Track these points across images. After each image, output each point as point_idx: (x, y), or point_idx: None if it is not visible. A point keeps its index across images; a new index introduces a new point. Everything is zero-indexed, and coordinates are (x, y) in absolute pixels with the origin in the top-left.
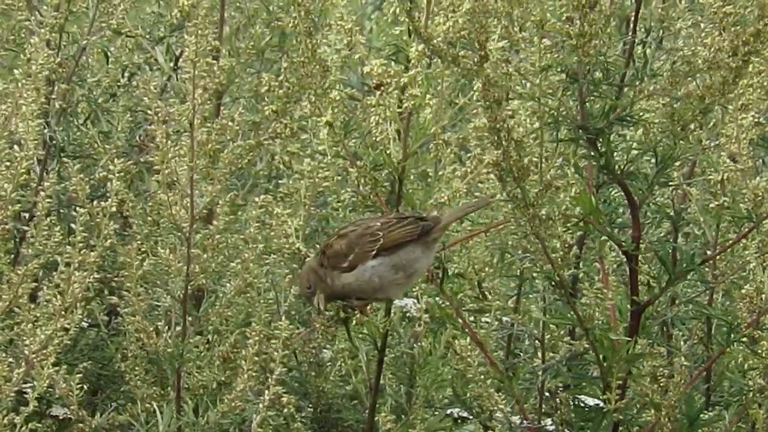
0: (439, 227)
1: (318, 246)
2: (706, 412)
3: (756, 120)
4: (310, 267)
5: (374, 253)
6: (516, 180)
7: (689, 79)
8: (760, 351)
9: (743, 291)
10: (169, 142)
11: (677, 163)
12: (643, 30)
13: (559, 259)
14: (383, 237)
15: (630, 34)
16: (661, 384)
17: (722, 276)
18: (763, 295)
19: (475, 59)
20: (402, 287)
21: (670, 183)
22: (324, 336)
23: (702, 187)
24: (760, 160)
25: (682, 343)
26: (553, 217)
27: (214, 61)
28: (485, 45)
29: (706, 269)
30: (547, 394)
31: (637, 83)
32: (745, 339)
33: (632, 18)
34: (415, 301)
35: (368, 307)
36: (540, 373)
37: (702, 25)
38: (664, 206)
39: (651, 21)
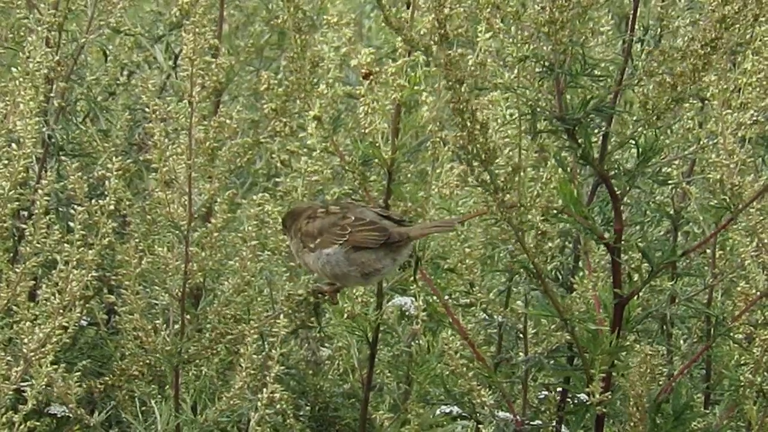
0: (404, 240)
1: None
2: (704, 410)
3: (755, 118)
4: (292, 219)
5: (335, 245)
6: (483, 163)
7: (665, 69)
8: (752, 347)
9: (739, 288)
10: (167, 140)
11: (662, 157)
12: (641, 28)
13: (534, 247)
14: (349, 234)
15: (628, 32)
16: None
17: (721, 274)
18: (758, 292)
19: (435, 38)
20: (359, 281)
21: (669, 181)
22: (292, 320)
23: (701, 186)
24: (760, 159)
25: (681, 341)
26: (524, 203)
27: (212, 59)
28: (444, 23)
29: (706, 267)
30: (545, 391)
31: (632, 79)
32: (740, 336)
33: (631, 16)
34: (413, 299)
35: (337, 294)
36: (522, 366)
37: (701, 23)
38: (663, 205)
39: (649, 19)
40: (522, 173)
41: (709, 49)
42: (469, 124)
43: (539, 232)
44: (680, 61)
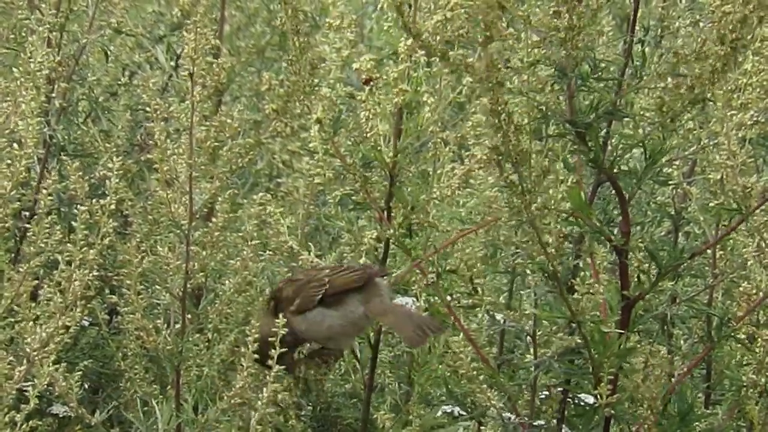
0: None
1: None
2: (706, 410)
3: (755, 119)
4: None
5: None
6: (514, 165)
7: (677, 71)
8: (754, 347)
9: (741, 288)
10: (168, 140)
11: (666, 158)
12: (642, 29)
13: (553, 250)
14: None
15: (629, 33)
16: (652, 379)
17: (722, 274)
18: (761, 293)
19: (480, 39)
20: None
21: (670, 182)
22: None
23: (702, 186)
24: (761, 159)
25: (682, 341)
26: (548, 206)
27: (214, 60)
28: (491, 25)
29: (706, 268)
30: (546, 392)
31: (636, 81)
32: (742, 336)
33: (631, 17)
34: (414, 299)
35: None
36: (532, 369)
37: (701, 23)
38: (664, 205)
39: (650, 20)
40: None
41: (729, 49)
42: (505, 126)
43: (561, 234)
44: (696, 63)
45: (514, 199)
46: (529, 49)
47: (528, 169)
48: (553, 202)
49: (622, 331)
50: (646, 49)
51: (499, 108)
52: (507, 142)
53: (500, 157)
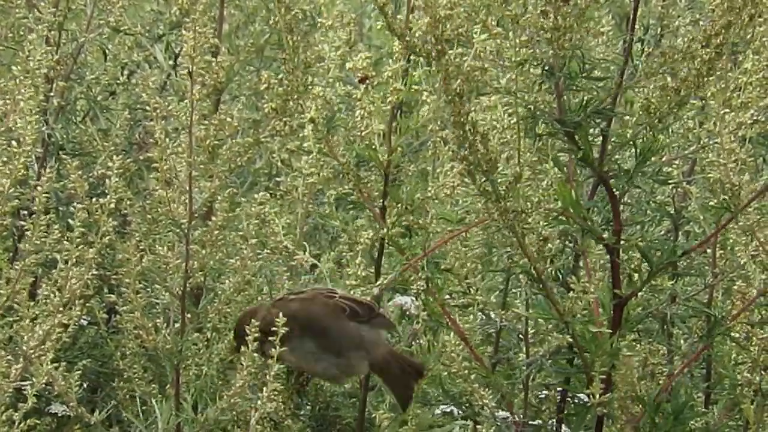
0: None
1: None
2: (705, 409)
3: (755, 118)
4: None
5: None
6: (484, 173)
7: (665, 71)
8: (749, 346)
9: (735, 287)
10: (167, 138)
11: (664, 157)
12: (642, 28)
13: (535, 252)
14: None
15: (629, 32)
16: (645, 378)
17: (722, 274)
18: (755, 291)
19: (433, 53)
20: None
21: (670, 181)
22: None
23: (702, 185)
24: (761, 158)
25: (682, 341)
26: (525, 210)
27: (213, 58)
28: (441, 38)
29: (706, 267)
30: (546, 391)
31: (629, 80)
32: (738, 335)
33: (631, 16)
34: (414, 299)
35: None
36: (524, 368)
37: (701, 23)
38: (664, 204)
39: (650, 19)
40: (522, 181)
41: (714, 53)
42: (470, 136)
43: (541, 238)
44: (682, 63)
45: (489, 206)
46: (517, 49)
47: (498, 177)
48: (530, 205)
49: (613, 331)
50: (646, 48)
51: (462, 119)
52: (475, 152)
53: (470, 166)
